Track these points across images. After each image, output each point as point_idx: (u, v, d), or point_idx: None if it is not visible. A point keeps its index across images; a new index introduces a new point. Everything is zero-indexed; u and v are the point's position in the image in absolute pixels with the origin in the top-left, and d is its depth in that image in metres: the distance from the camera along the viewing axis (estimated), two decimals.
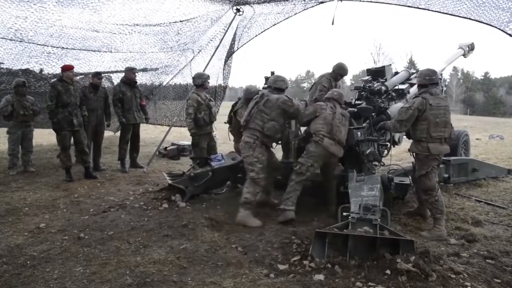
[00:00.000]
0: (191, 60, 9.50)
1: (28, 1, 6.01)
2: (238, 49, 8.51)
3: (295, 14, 7.42)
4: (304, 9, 7.24)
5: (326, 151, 4.80)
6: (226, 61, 8.75)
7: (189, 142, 7.83)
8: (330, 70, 6.63)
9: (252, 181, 4.83)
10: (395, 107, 6.32)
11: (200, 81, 6.55)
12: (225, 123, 6.89)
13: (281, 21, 7.66)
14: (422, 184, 4.61)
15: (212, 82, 9.39)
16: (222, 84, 9.32)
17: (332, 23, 6.70)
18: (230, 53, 8.64)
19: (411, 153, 4.84)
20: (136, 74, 8.01)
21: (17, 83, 7.17)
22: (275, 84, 5.14)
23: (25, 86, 7.25)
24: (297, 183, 4.83)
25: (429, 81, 4.63)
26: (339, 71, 6.56)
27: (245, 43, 8.37)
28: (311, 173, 4.86)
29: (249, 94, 6.24)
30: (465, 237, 4.29)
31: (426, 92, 4.58)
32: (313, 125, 4.88)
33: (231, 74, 9.16)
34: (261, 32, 7.99)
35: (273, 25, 7.78)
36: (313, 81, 7.30)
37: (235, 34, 8.36)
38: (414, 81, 7.43)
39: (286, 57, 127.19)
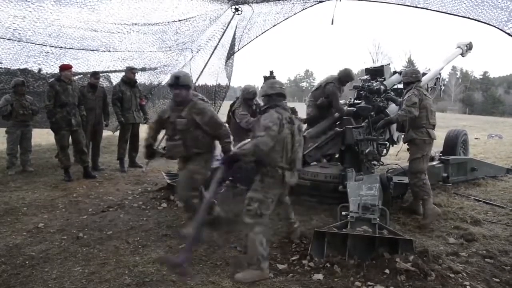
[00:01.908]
0: (191, 59, 9.49)
1: (26, 1, 6.00)
2: (238, 50, 8.51)
3: (294, 14, 7.41)
4: (303, 9, 7.24)
5: (285, 184, 3.58)
6: (226, 61, 8.75)
7: None
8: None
9: None
10: (393, 107, 6.33)
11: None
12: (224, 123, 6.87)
13: (280, 22, 7.66)
14: (413, 167, 4.92)
15: (212, 82, 9.43)
16: (223, 84, 9.32)
17: (332, 23, 6.71)
18: (230, 54, 8.64)
19: (408, 142, 5.07)
20: (136, 73, 8.00)
21: (16, 83, 7.16)
22: None
23: (24, 86, 7.24)
24: (258, 229, 3.38)
25: (415, 78, 5.12)
26: (346, 78, 6.49)
27: (245, 45, 8.36)
28: (272, 210, 3.57)
29: (247, 94, 6.25)
30: (464, 236, 4.30)
31: (416, 87, 5.03)
32: (271, 155, 3.41)
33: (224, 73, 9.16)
34: (262, 34, 7.99)
35: (273, 26, 7.78)
36: (312, 80, 7.35)
37: (234, 34, 8.35)
38: None
39: (285, 57, 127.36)
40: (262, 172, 3.49)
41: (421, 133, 4.91)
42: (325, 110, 6.60)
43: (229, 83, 9.20)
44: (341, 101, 7.36)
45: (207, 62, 8.42)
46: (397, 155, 6.96)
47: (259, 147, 3.31)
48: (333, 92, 6.37)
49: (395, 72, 7.56)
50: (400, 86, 7.04)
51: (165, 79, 10.60)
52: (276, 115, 3.44)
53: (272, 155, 3.41)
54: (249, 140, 3.65)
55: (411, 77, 5.14)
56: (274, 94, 3.60)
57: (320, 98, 6.54)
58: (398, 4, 5.64)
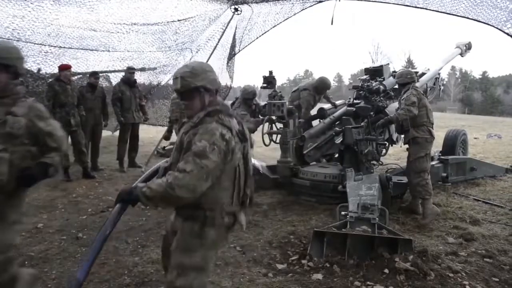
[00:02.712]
0: (190, 59, 9.49)
1: (25, 0, 5.99)
2: (239, 51, 8.50)
3: (294, 15, 7.41)
4: (303, 9, 7.23)
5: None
6: (228, 62, 8.76)
7: None
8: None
9: None
10: (393, 106, 6.33)
11: None
12: None
13: (280, 22, 7.66)
14: (417, 166, 4.90)
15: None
16: (223, 84, 9.33)
17: (332, 23, 6.72)
18: (231, 55, 8.64)
19: (409, 141, 5.06)
20: (135, 73, 7.98)
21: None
22: None
23: (22, 86, 7.22)
24: None
25: (410, 79, 5.18)
26: (323, 86, 6.96)
27: (246, 46, 8.35)
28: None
29: (246, 94, 6.34)
30: (463, 236, 4.30)
31: (413, 87, 5.07)
32: (213, 192, 2.06)
33: (227, 73, 9.17)
34: (262, 34, 7.98)
35: (273, 27, 7.78)
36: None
37: (234, 35, 8.35)
38: None
39: (284, 57, 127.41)
40: (198, 218, 2.09)
41: (422, 131, 4.94)
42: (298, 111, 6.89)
43: (232, 83, 9.22)
44: (340, 101, 7.41)
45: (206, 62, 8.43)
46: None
47: (175, 194, 1.91)
48: (305, 100, 6.78)
49: (394, 72, 7.58)
50: None
51: (164, 79, 10.62)
52: (219, 131, 1.99)
53: (217, 195, 2.08)
54: (164, 162, 2.35)
55: (406, 78, 5.19)
56: (202, 87, 2.09)
57: (296, 101, 6.92)
58: (397, 4, 5.64)
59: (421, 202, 4.91)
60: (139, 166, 7.84)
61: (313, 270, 3.37)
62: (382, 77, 6.94)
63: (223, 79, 9.26)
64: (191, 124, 2.10)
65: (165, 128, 8.88)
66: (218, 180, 2.03)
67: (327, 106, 7.22)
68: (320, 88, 6.92)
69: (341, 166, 5.55)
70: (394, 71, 7.61)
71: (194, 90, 2.09)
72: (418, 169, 4.89)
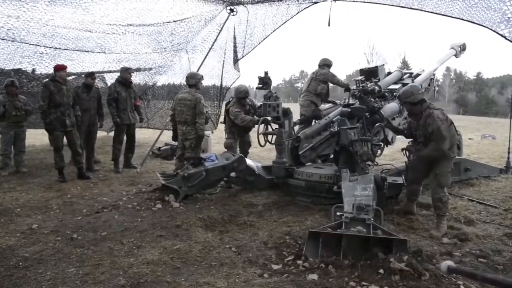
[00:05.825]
0: (189, 60, 9.47)
1: (20, 0, 5.97)
2: (243, 56, 8.49)
3: (291, 17, 7.42)
4: (299, 11, 7.25)
5: None
6: (234, 65, 8.76)
7: None
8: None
9: None
10: (388, 107, 6.37)
11: (194, 81, 6.51)
12: (221, 123, 6.92)
13: (280, 26, 7.67)
14: (444, 181, 4.61)
15: (211, 82, 9.46)
16: (219, 85, 9.34)
17: (329, 24, 6.74)
18: (235, 60, 8.65)
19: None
20: (132, 74, 7.96)
21: (6, 83, 7.12)
22: None
23: (14, 86, 7.15)
24: None
25: (422, 95, 4.99)
26: (328, 63, 7.66)
27: (250, 51, 8.34)
28: None
29: (239, 93, 6.43)
30: (457, 236, 4.32)
31: (429, 108, 4.87)
32: None
33: (227, 74, 9.16)
34: (264, 39, 7.97)
35: (274, 31, 7.78)
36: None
37: (235, 38, 8.33)
38: (407, 81, 7.50)
39: (280, 57, 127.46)
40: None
41: (453, 149, 4.71)
42: (325, 96, 7.69)
43: (234, 83, 9.20)
44: (337, 101, 7.46)
45: (201, 63, 8.43)
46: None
47: None
48: (329, 73, 7.54)
49: (389, 73, 7.62)
50: (395, 86, 7.08)
51: (160, 79, 10.60)
52: None
53: None
54: None
55: (419, 94, 4.82)
56: None
57: (318, 87, 7.46)
58: (392, 5, 5.66)
59: (436, 217, 4.64)
60: (135, 166, 7.82)
61: (308, 270, 3.37)
62: (378, 78, 6.97)
63: (225, 81, 9.27)
64: None
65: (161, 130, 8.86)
66: None
67: (322, 106, 7.25)
68: (329, 66, 7.67)
69: (336, 166, 5.56)
70: (389, 72, 7.66)
71: None
72: (444, 184, 4.62)
